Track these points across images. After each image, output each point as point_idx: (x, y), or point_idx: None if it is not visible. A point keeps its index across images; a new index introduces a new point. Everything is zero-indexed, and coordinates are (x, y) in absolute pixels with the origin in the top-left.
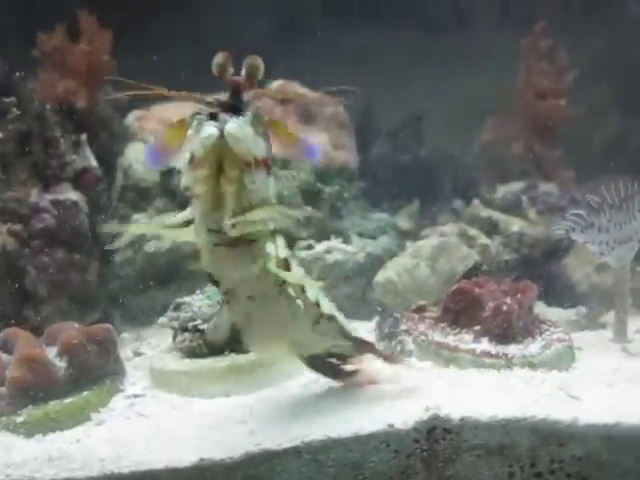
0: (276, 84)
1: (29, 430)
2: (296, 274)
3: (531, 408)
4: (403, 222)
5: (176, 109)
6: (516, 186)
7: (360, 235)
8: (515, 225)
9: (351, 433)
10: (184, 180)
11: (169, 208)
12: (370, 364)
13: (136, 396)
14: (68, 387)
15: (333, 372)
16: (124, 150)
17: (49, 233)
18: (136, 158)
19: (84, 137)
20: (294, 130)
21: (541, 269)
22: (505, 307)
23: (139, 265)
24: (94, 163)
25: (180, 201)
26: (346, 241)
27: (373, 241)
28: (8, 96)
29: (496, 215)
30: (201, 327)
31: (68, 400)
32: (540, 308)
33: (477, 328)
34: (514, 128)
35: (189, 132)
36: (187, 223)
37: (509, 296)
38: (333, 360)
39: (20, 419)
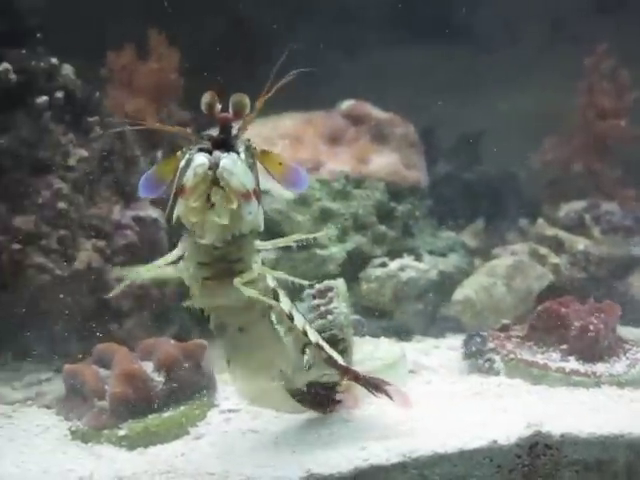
0: (347, 104)
1: (131, 443)
2: (284, 302)
3: (627, 425)
4: (469, 240)
5: (251, 128)
6: (578, 205)
7: (431, 253)
8: (580, 244)
9: (456, 449)
10: (175, 212)
11: None
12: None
13: (231, 411)
14: (166, 402)
15: (321, 404)
16: None
17: (131, 249)
18: None
19: (160, 154)
20: (284, 159)
21: (608, 288)
22: (592, 327)
23: None
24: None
25: None
26: (418, 259)
27: (444, 259)
28: (91, 115)
29: (561, 234)
30: None
31: (166, 414)
32: None
33: (564, 347)
34: (574, 147)
35: (180, 164)
36: (179, 260)
37: (593, 315)
38: (321, 390)
39: (122, 432)
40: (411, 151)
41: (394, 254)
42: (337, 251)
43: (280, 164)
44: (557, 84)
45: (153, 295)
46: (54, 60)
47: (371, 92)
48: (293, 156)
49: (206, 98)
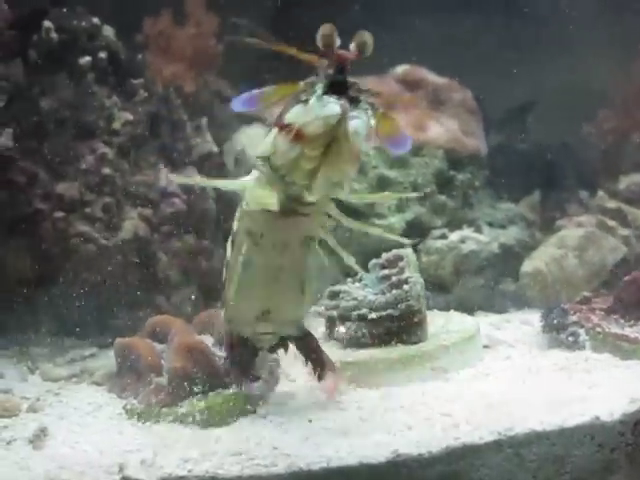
0: (401, 68)
1: (193, 422)
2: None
3: None
4: (526, 213)
5: None
6: (639, 177)
7: (490, 225)
8: None
9: (555, 426)
10: (280, 150)
11: None
12: None
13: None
14: (227, 378)
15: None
16: (229, 136)
17: (178, 218)
18: (249, 144)
19: (205, 121)
20: (398, 124)
21: None
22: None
23: None
24: (215, 148)
25: None
26: (478, 230)
27: (504, 231)
28: (135, 78)
29: (624, 206)
30: (370, 316)
31: (230, 391)
32: None
33: None
34: (631, 118)
35: (310, 102)
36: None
37: None
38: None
39: (182, 410)
40: (470, 118)
41: (454, 225)
42: (396, 221)
43: (392, 127)
44: (613, 53)
45: (202, 268)
46: (95, 20)
47: (417, 61)
48: None
49: (325, 30)
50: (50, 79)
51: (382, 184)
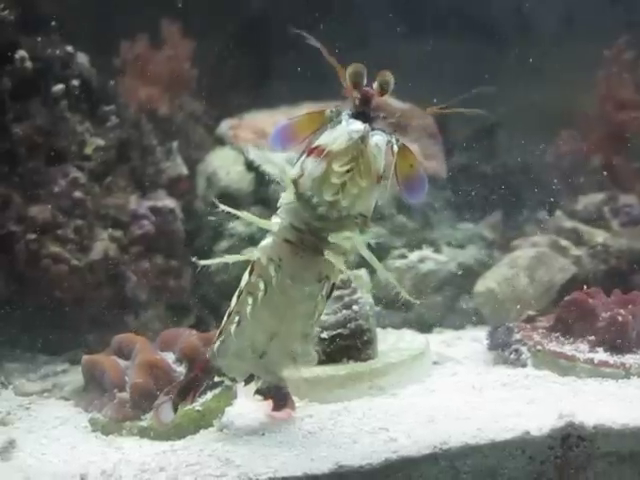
0: None
1: (153, 435)
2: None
3: None
4: (487, 232)
5: (267, 118)
6: (596, 197)
7: (449, 245)
8: (599, 237)
9: (488, 440)
10: (307, 171)
11: (264, 216)
12: None
13: (253, 402)
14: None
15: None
16: (203, 158)
17: (148, 239)
18: (220, 166)
19: (175, 145)
20: (417, 162)
21: (627, 280)
22: (620, 317)
23: (235, 272)
24: (185, 170)
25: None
26: (437, 250)
27: (463, 251)
28: (107, 104)
29: (580, 226)
30: (320, 335)
31: (189, 406)
32: None
33: (592, 338)
34: (592, 139)
35: (338, 125)
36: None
37: (621, 306)
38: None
39: (144, 424)
40: (430, 142)
41: (413, 245)
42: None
43: (411, 166)
44: (573, 76)
45: (170, 286)
46: (69, 48)
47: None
48: (310, 146)
49: (356, 68)
50: (24, 106)
51: None
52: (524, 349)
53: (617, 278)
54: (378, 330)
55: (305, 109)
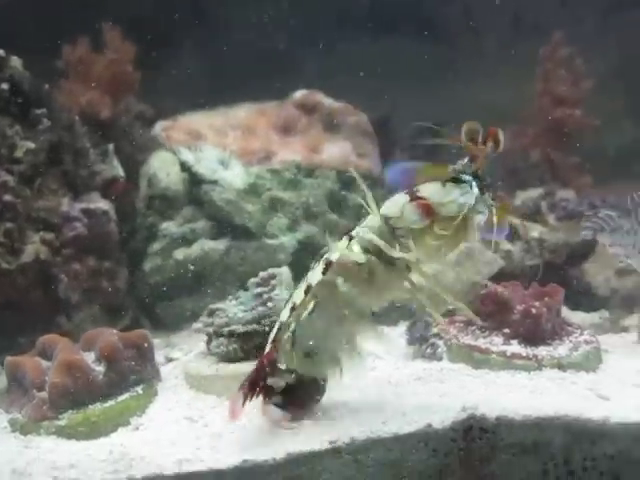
0: (300, 93)
1: (70, 434)
2: None
3: (563, 407)
4: None
5: (203, 119)
6: (534, 193)
7: None
8: (535, 231)
9: (390, 433)
10: (395, 210)
11: (197, 217)
12: None
13: (173, 400)
14: (107, 392)
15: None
16: (147, 159)
17: (80, 241)
18: (160, 167)
19: (111, 147)
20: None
21: (563, 274)
22: (534, 310)
23: (168, 272)
24: (121, 172)
25: (208, 211)
26: None
27: None
28: (38, 107)
29: (515, 221)
30: (237, 331)
31: (107, 404)
32: (564, 312)
33: (507, 331)
34: (531, 135)
35: (448, 185)
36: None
37: (537, 299)
38: None
39: (61, 423)
40: (363, 140)
41: None
42: (287, 240)
43: (501, 219)
44: (515, 74)
45: (103, 288)
46: (1, 52)
47: (334, 85)
48: (245, 147)
49: (471, 125)
50: None
51: (275, 205)
52: (440, 343)
53: (552, 272)
54: None
55: (244, 110)
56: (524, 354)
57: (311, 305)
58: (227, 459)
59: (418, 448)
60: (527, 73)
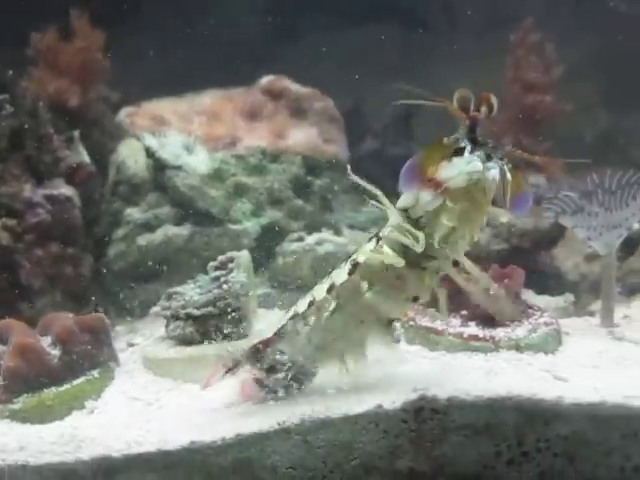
0: (266, 79)
1: (25, 417)
2: None
3: (517, 388)
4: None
5: (167, 105)
6: None
7: (352, 227)
8: (504, 216)
9: (340, 414)
10: (410, 200)
11: (161, 202)
12: None
13: (129, 384)
14: (63, 375)
15: None
16: (116, 147)
17: (43, 227)
18: (128, 154)
19: (77, 133)
20: (523, 181)
21: (531, 259)
22: (492, 291)
23: (132, 258)
24: (87, 159)
25: (172, 197)
26: (337, 233)
27: (364, 233)
28: (1, 93)
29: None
30: (193, 314)
31: (63, 388)
32: (529, 296)
33: (464, 312)
34: (502, 121)
35: (454, 160)
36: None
37: (496, 281)
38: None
39: (16, 407)
40: (330, 126)
41: (312, 229)
42: (251, 225)
43: (518, 185)
44: (486, 61)
45: (67, 274)
46: None
47: (306, 73)
48: (210, 132)
49: (463, 92)
50: None
51: (239, 190)
52: (397, 325)
53: (520, 257)
54: (263, 310)
55: (210, 96)
56: (481, 335)
57: (332, 305)
58: (176, 440)
59: (368, 429)
60: (498, 60)
